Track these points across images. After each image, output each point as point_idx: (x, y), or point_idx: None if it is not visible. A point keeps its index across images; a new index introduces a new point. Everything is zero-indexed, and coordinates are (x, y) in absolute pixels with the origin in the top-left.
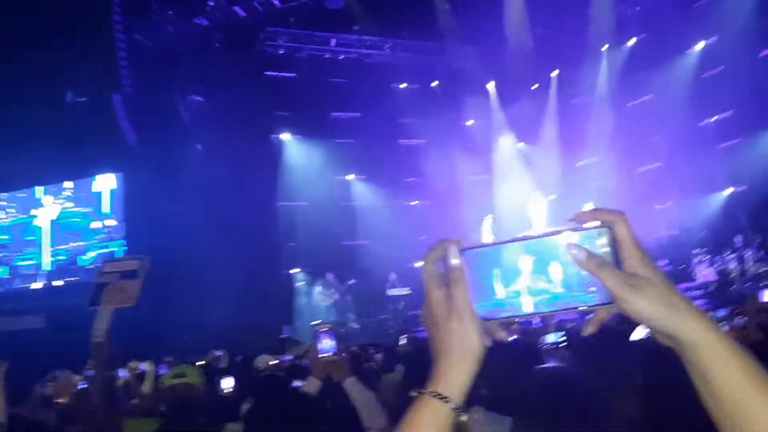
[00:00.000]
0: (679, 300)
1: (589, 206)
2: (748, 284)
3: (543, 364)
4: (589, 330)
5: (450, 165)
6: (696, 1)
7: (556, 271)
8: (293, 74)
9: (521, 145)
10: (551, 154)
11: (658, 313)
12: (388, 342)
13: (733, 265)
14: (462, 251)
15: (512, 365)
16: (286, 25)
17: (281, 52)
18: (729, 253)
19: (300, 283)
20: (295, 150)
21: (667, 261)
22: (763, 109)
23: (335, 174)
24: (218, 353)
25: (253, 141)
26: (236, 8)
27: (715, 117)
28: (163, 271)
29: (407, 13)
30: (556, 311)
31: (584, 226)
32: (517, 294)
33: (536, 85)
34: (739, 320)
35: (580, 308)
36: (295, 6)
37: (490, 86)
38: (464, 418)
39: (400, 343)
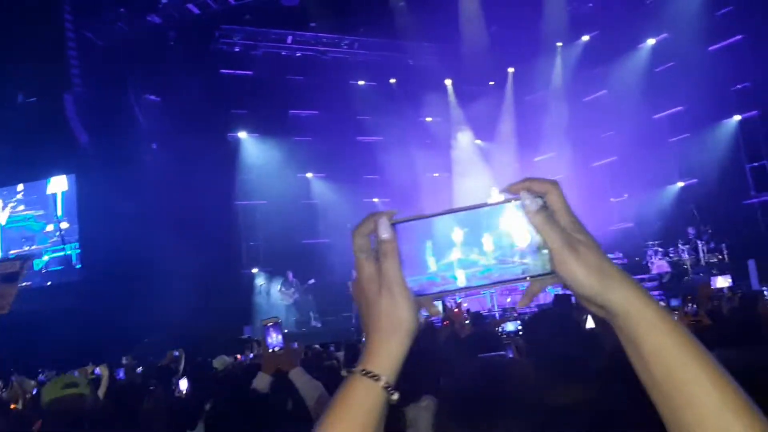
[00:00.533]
0: (612, 268)
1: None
2: (701, 274)
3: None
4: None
5: (409, 162)
6: None
7: (488, 243)
8: (250, 72)
9: (479, 141)
10: (508, 150)
11: (593, 279)
12: (350, 340)
13: (686, 256)
14: (393, 224)
15: (469, 354)
16: (242, 22)
17: (237, 49)
18: (682, 244)
19: (260, 283)
20: (253, 148)
21: (621, 254)
22: (713, 103)
23: (294, 172)
24: (176, 354)
25: (210, 139)
26: (190, 6)
27: (667, 111)
28: (119, 273)
29: (364, 11)
30: (489, 284)
31: (514, 192)
32: (450, 266)
33: (492, 82)
34: (690, 307)
35: (515, 280)
36: (250, 3)
37: (448, 83)
38: (395, 396)
39: (363, 340)
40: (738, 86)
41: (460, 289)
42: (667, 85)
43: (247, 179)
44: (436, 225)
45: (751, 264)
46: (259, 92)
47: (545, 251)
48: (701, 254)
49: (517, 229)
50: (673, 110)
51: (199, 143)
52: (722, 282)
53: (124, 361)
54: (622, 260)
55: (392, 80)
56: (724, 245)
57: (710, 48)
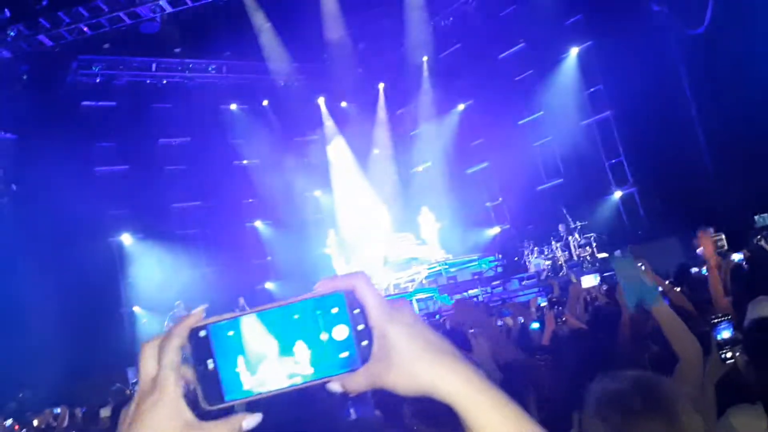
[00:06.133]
0: (442, 345)
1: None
2: (575, 268)
3: None
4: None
5: (287, 182)
6: (502, 11)
7: (303, 334)
8: (113, 103)
9: (355, 157)
10: (386, 163)
11: (420, 359)
12: None
13: (560, 253)
14: (196, 330)
15: None
16: (101, 51)
17: (98, 80)
18: (555, 241)
19: (144, 320)
20: (124, 180)
21: (501, 255)
22: (570, 107)
23: (169, 202)
24: (56, 411)
25: (75, 174)
26: (41, 37)
27: (529, 117)
28: None
29: (229, 34)
30: (309, 383)
31: (324, 292)
32: (269, 365)
33: (364, 98)
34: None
35: (336, 374)
36: (107, 32)
37: (320, 101)
38: None
39: None
40: (591, 89)
41: (281, 390)
42: (528, 92)
43: (119, 214)
44: (247, 335)
45: (618, 254)
46: (125, 123)
47: (365, 343)
48: (573, 249)
49: (333, 321)
50: (535, 116)
51: (63, 179)
52: (590, 281)
53: None
54: (502, 261)
55: (264, 102)
56: (592, 239)
57: (562, 55)
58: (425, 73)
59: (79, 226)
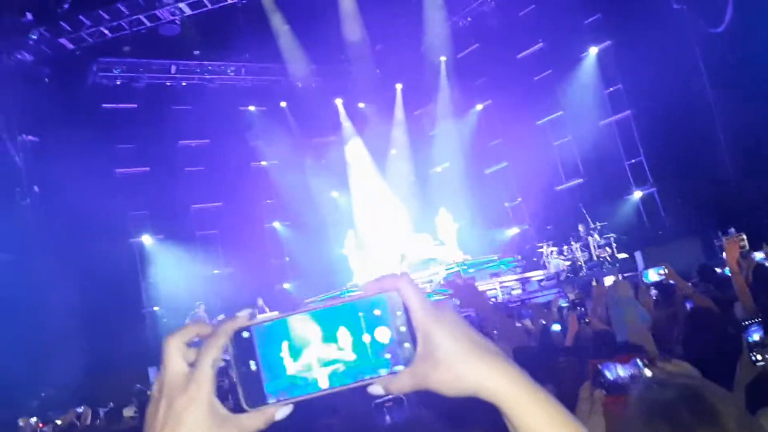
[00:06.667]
0: (487, 345)
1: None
2: (595, 269)
3: None
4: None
5: (305, 183)
6: (521, 11)
7: (345, 337)
8: (134, 105)
9: (373, 158)
10: (404, 164)
11: (466, 359)
12: None
13: (579, 253)
14: (239, 331)
15: None
16: (121, 54)
17: (118, 82)
18: (575, 242)
19: (164, 320)
20: (144, 183)
21: (520, 256)
22: (590, 106)
23: (188, 204)
24: (79, 410)
25: (96, 176)
26: (62, 41)
27: (548, 117)
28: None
29: (247, 36)
30: (351, 385)
31: (369, 294)
32: (309, 367)
33: (382, 99)
34: (579, 311)
35: (380, 377)
36: (127, 34)
37: (338, 102)
38: None
39: None
40: (611, 89)
41: (322, 392)
42: (546, 92)
43: (140, 215)
44: (292, 323)
45: (638, 255)
46: (145, 124)
47: (407, 345)
48: (593, 250)
49: (375, 323)
50: (554, 115)
51: (84, 181)
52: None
53: (20, 423)
54: (521, 262)
55: (283, 103)
56: (612, 240)
57: (581, 55)
58: (443, 73)
59: (100, 228)
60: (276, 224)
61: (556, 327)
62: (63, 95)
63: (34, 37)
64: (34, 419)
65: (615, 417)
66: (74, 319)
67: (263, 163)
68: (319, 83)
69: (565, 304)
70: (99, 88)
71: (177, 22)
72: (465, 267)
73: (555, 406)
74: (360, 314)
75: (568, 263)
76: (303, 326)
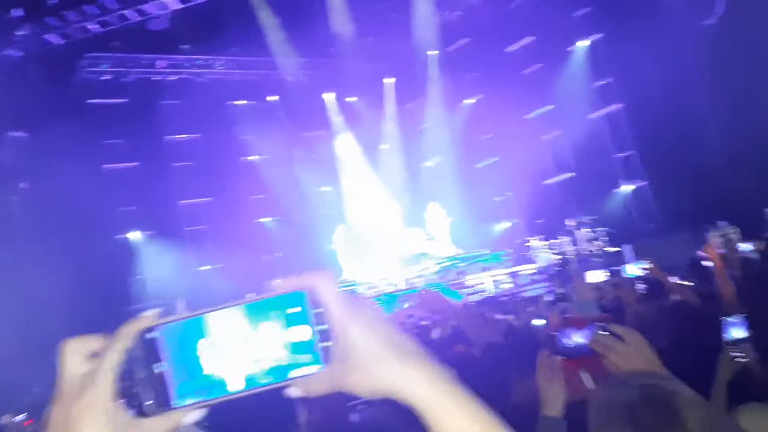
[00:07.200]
0: (405, 344)
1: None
2: (583, 263)
3: None
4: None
5: (296, 178)
6: (510, 4)
7: (264, 336)
8: (122, 100)
9: (364, 152)
10: (395, 158)
11: (382, 359)
12: None
13: (568, 247)
14: (145, 332)
15: None
16: (109, 49)
17: (106, 77)
18: (563, 235)
19: None
20: (133, 177)
21: (511, 249)
22: (579, 99)
23: (176, 199)
24: None
25: (83, 171)
26: (50, 36)
27: (539, 110)
28: None
29: (235, 30)
30: (270, 386)
31: (284, 290)
32: (227, 367)
33: (372, 93)
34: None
35: (296, 377)
36: (115, 30)
37: (328, 97)
38: None
39: None
40: (601, 82)
41: (240, 393)
42: (537, 85)
43: (127, 211)
44: (207, 320)
45: (628, 249)
46: (133, 120)
47: (327, 344)
48: (582, 244)
49: (295, 321)
50: (545, 109)
51: (72, 176)
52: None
53: (2, 421)
54: (512, 256)
55: (272, 98)
56: (602, 233)
57: (572, 48)
58: (434, 67)
59: (88, 223)
60: (266, 219)
61: (540, 321)
62: (51, 91)
63: (22, 33)
64: (19, 417)
65: (574, 380)
66: (61, 315)
67: (253, 157)
68: (308, 77)
69: (550, 299)
70: (87, 83)
71: (164, 16)
72: (456, 261)
73: (477, 409)
74: (280, 312)
75: (558, 257)
76: (220, 324)
